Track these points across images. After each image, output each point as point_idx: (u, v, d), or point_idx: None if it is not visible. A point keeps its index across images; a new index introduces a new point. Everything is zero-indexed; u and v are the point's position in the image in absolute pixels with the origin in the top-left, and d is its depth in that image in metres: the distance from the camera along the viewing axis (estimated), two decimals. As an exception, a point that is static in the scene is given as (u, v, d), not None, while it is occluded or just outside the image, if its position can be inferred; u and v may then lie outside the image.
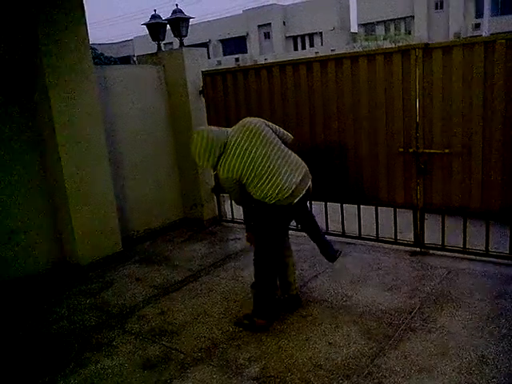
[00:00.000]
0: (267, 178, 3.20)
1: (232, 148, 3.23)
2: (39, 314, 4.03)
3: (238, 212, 5.98)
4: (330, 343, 3.19)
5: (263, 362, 3.04)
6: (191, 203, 6.11)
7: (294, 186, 3.23)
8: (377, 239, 4.87)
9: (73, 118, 4.61)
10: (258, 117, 5.17)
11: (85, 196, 4.77)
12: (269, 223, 3.35)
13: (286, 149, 3.39)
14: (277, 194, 3.20)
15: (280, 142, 3.38)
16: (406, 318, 3.41)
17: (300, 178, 3.30)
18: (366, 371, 2.85)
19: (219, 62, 36.45)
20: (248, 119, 3.44)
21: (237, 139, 3.26)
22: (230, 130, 3.38)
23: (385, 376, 2.79)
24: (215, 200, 6.18)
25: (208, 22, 42.96)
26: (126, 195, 5.53)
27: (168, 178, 6.02)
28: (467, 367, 2.80)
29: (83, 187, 4.75)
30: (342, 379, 2.80)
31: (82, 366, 3.21)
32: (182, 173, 6.10)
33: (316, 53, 33.27)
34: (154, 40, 6.10)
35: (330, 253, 3.77)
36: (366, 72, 4.44)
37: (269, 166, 3.21)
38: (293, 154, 3.41)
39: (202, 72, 5.70)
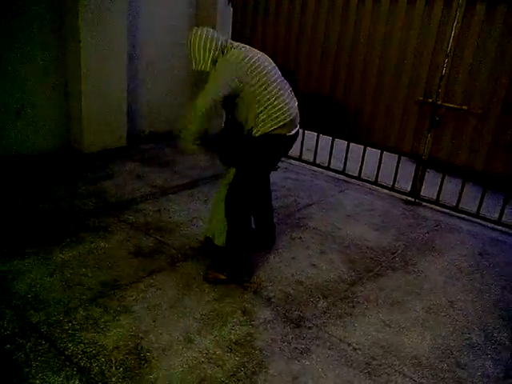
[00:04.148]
0: (272, 93, 2.79)
1: (238, 48, 2.84)
2: (40, 192, 4.14)
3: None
4: (313, 265, 3.37)
5: (248, 270, 3.21)
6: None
7: (293, 115, 2.90)
8: (375, 183, 4.96)
9: (97, 3, 4.48)
10: (284, 39, 5.07)
11: (98, 84, 4.74)
12: (261, 157, 2.93)
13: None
14: (279, 119, 2.81)
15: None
16: (389, 257, 3.58)
17: (296, 111, 2.96)
18: (343, 295, 3.04)
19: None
20: None
21: (244, 46, 2.90)
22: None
23: (359, 302, 2.98)
24: (224, 114, 6.15)
25: None
26: (137, 94, 5.49)
27: (181, 84, 5.96)
28: (435, 308, 3.00)
29: (98, 75, 4.72)
30: (319, 297, 2.99)
31: (77, 242, 3.37)
32: (195, 81, 6.02)
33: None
34: None
35: (273, 236, 3.57)
36: (404, 14, 4.31)
37: (274, 80, 2.82)
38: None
39: (235, -21, 5.49)
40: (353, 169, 5.14)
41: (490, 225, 4.32)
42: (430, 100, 4.30)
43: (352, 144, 5.05)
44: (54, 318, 2.55)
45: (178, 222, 3.82)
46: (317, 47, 4.97)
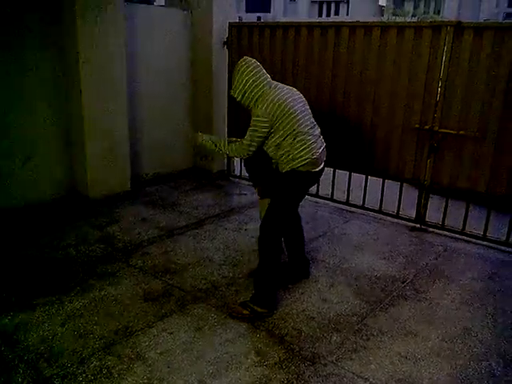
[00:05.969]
0: (299, 135, 3.01)
1: (275, 90, 3.04)
2: (47, 239, 4.17)
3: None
4: (323, 299, 3.35)
5: (259, 308, 3.19)
6: (202, 154, 6.19)
7: (317, 154, 3.09)
8: (379, 211, 4.98)
9: (98, 52, 4.64)
10: (281, 76, 5.19)
11: (101, 131, 4.85)
12: (290, 192, 3.14)
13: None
14: (303, 158, 3.02)
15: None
16: (399, 286, 3.56)
17: (321, 150, 3.16)
18: (356, 328, 3.02)
19: (240, 19, 35.69)
20: None
21: (281, 86, 3.13)
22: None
23: (373, 334, 2.95)
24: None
25: (234, -25, 41.72)
26: (140, 137, 5.60)
27: (182, 126, 6.07)
28: (451, 336, 2.96)
29: (100, 122, 4.82)
30: (332, 332, 2.96)
31: (86, 290, 3.37)
32: (195, 123, 6.15)
33: (340, 21, 32.52)
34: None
35: (307, 270, 3.69)
36: (394, 44, 4.43)
37: (302, 124, 3.03)
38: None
39: (229, 23, 5.66)
40: (355, 198, 5.17)
41: (497, 246, 4.31)
42: (427, 127, 4.37)
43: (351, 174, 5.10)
44: (68, 370, 2.54)
45: (185, 263, 3.83)
46: (314, 76, 5.08)
